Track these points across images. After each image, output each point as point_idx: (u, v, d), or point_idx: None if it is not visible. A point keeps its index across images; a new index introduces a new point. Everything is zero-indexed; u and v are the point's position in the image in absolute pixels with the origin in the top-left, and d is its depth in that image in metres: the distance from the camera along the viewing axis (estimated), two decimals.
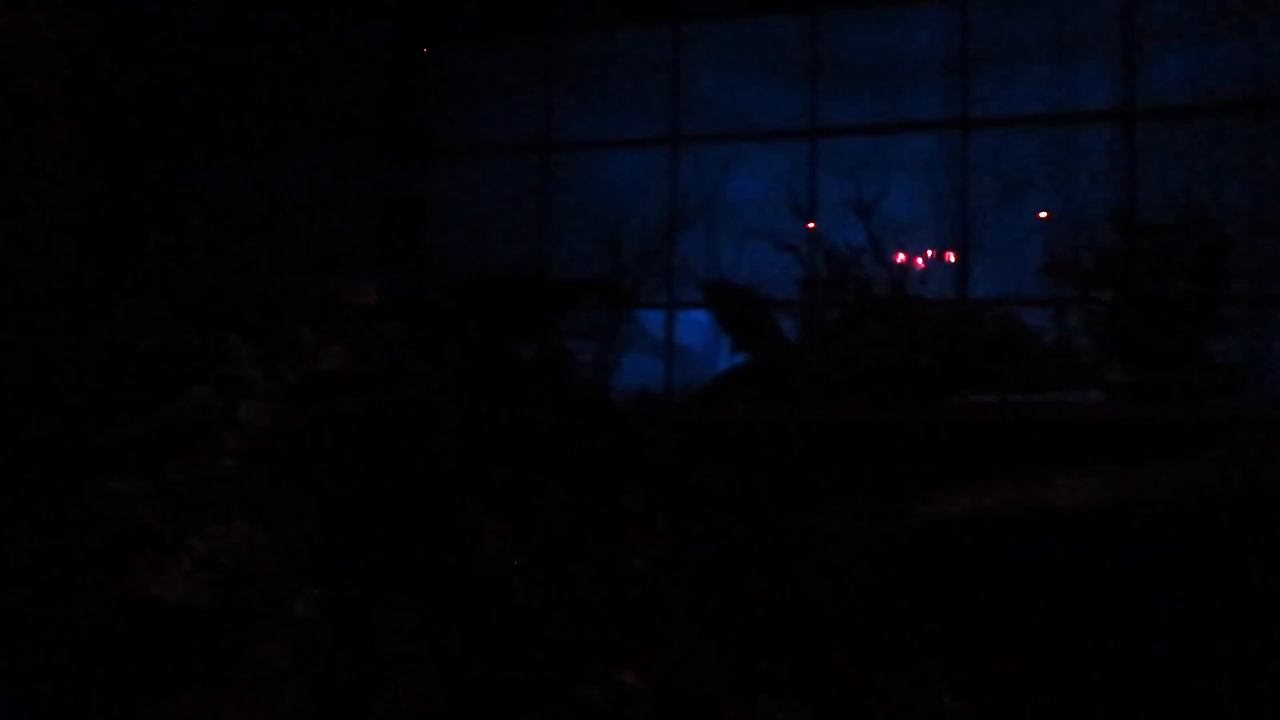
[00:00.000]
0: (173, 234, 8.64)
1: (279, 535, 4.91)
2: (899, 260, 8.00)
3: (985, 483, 4.70)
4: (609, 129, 8.74)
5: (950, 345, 5.11)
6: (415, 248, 9.13)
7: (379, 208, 9.26)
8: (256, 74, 8.75)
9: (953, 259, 7.91)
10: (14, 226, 6.04)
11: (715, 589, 5.28)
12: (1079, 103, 7.64)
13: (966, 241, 7.89)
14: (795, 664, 4.99)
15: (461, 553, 5.09)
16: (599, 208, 8.83)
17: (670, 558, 5.26)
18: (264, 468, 5.25)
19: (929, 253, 8.06)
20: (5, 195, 5.80)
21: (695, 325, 8.93)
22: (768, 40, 8.38)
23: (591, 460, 5.13)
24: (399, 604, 5.03)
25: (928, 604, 5.07)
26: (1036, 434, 4.77)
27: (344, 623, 4.82)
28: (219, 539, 4.69)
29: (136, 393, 5.42)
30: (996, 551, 4.84)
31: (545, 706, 4.55)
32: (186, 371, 5.61)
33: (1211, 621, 4.70)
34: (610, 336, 9.08)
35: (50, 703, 3.90)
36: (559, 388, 6.35)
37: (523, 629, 4.95)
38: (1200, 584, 4.67)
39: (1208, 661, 4.60)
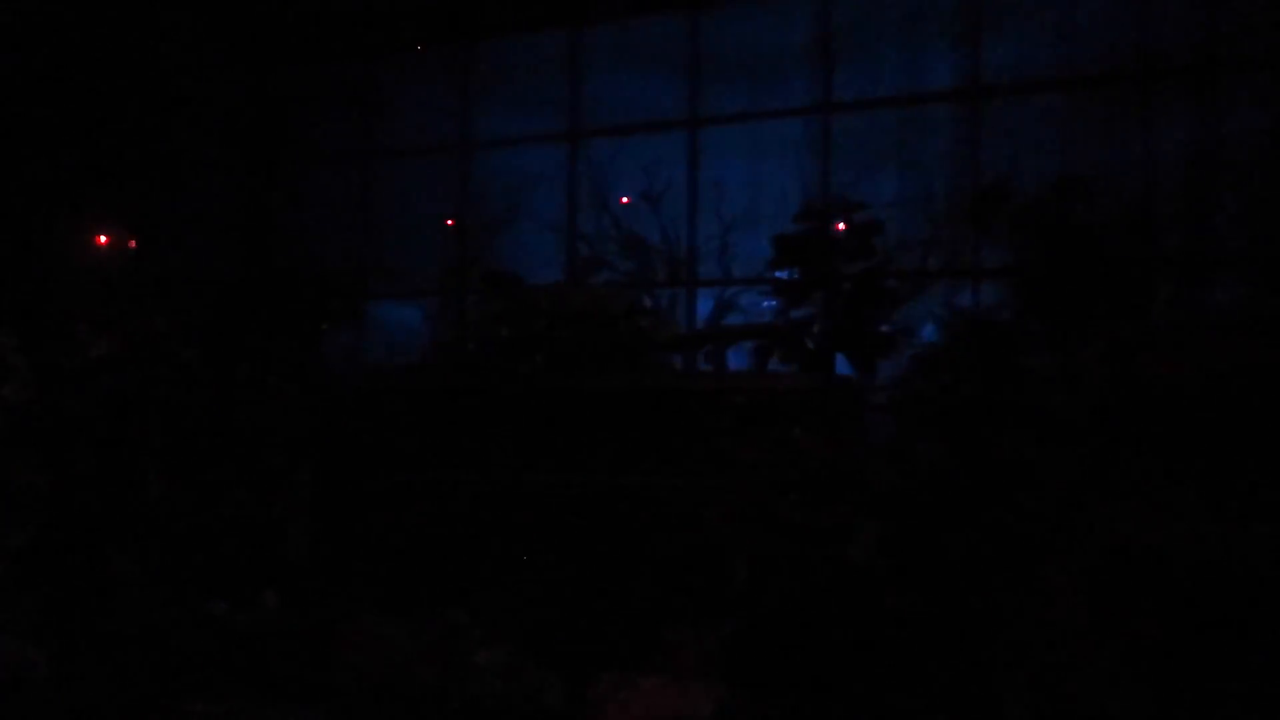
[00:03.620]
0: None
1: (2, 486, 6.24)
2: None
3: None
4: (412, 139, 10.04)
5: (529, 319, 6.18)
6: (264, 249, 10.48)
7: (230, 214, 10.62)
8: (117, 93, 10.08)
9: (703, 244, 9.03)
10: None
11: (345, 529, 6.54)
12: (784, 101, 8.69)
13: (694, 226, 9.01)
14: (410, 591, 6.25)
15: (137, 496, 6.43)
16: (413, 209, 10.14)
17: (307, 504, 6.51)
18: (19, 435, 6.64)
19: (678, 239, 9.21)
20: None
21: None
22: (539, 55, 9.56)
23: (250, 426, 6.38)
24: (99, 539, 6.38)
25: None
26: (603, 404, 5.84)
27: (59, 554, 6.21)
28: None
29: None
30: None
31: (183, 616, 5.87)
32: None
33: None
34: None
35: None
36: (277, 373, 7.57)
37: (176, 557, 6.30)
38: None
39: None
